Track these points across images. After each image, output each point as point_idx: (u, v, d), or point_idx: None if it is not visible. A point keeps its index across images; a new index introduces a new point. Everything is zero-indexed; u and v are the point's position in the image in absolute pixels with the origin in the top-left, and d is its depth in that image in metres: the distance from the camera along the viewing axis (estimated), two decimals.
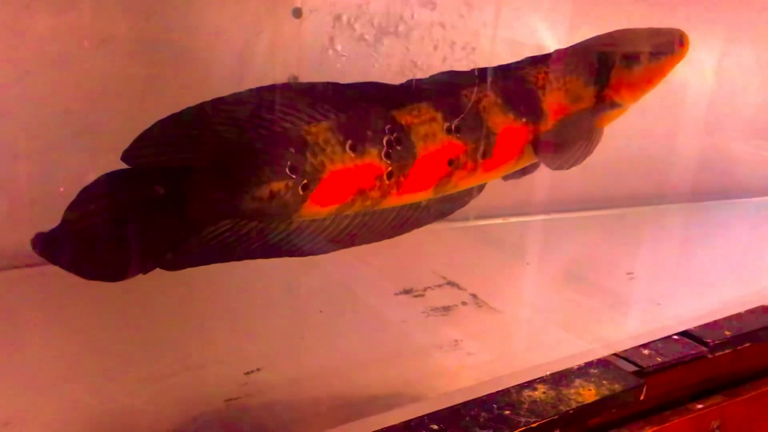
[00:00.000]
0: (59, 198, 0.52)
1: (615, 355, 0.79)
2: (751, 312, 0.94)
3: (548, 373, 0.73)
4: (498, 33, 1.03)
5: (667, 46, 0.78)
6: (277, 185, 0.56)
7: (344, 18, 0.93)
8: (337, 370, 0.69)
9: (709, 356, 0.84)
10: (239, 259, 0.59)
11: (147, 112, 0.84)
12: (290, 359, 0.71)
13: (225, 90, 0.89)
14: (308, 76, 0.92)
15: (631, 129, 1.13)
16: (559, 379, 0.72)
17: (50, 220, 0.51)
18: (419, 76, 0.70)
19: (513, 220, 1.20)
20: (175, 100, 0.85)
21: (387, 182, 0.61)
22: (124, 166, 0.52)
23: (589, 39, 0.77)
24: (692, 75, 1.16)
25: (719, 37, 1.02)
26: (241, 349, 0.71)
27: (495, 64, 0.70)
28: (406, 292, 0.87)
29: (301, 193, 0.58)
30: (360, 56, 0.95)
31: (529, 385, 0.70)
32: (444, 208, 0.70)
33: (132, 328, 0.72)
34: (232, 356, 0.70)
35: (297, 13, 0.90)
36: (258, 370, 0.68)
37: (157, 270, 0.55)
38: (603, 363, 0.77)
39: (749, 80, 1.31)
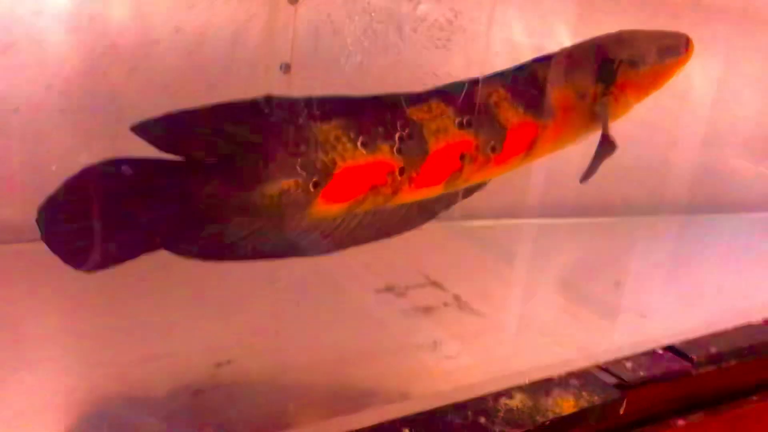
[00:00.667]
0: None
1: (597, 366, 0.77)
2: (739, 329, 0.93)
3: (527, 381, 0.71)
4: (502, 33, 1.01)
5: (673, 49, 0.79)
6: (288, 183, 0.56)
7: (342, 6, 0.91)
8: (310, 367, 0.68)
9: (693, 372, 0.82)
10: (247, 258, 0.59)
11: (131, 96, 0.84)
12: (263, 353, 0.69)
13: (214, 74, 0.88)
14: (301, 64, 0.90)
15: (628, 137, 1.12)
16: (538, 388, 0.70)
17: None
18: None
19: (504, 222, 1.18)
20: (163, 83, 0.85)
21: (399, 178, 0.61)
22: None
23: (597, 37, 0.77)
24: (692, 86, 1.14)
25: (720, 49, 1.01)
26: (214, 340, 0.70)
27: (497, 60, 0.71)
28: (389, 289, 0.85)
29: (312, 190, 0.57)
30: (356, 47, 0.93)
31: (507, 392, 0.69)
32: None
33: (103, 314, 0.70)
34: (203, 347, 0.68)
35: None
36: (229, 362, 0.66)
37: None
38: (584, 374, 0.75)
39: (749, 94, 1.30)
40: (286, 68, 0.89)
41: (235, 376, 0.64)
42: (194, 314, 0.73)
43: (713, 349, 0.85)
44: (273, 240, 0.60)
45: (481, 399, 0.67)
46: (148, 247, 0.56)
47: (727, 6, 1.04)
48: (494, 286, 0.94)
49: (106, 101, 0.82)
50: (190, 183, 0.55)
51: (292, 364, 0.68)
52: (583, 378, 0.74)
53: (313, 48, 0.91)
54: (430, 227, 0.95)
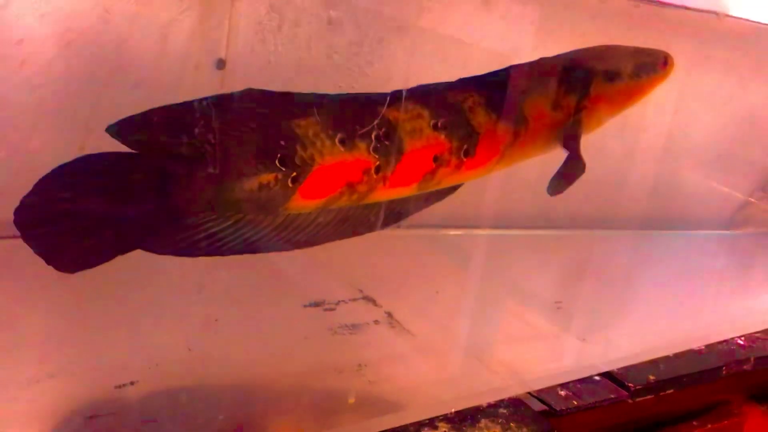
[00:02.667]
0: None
1: (529, 393, 0.74)
2: (679, 356, 0.90)
3: (453, 410, 0.67)
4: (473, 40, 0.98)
5: (650, 66, 0.81)
6: (267, 177, 0.57)
7: (281, 2, 0.86)
8: (219, 390, 0.63)
9: (630, 401, 0.80)
10: (225, 253, 0.59)
11: (51, 87, 0.78)
12: (170, 373, 0.64)
13: (141, 69, 0.83)
14: (237, 61, 0.85)
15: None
16: (465, 417, 0.67)
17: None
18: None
19: (453, 232, 1.14)
20: (88, 77, 0.79)
21: (374, 176, 0.62)
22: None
23: (575, 50, 0.79)
24: (647, 100, 1.12)
25: (677, 65, 0.99)
26: (119, 358, 0.65)
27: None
28: (317, 304, 0.81)
29: (290, 185, 0.58)
30: (295, 45, 0.89)
31: (431, 422, 0.65)
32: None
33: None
34: (106, 365, 0.63)
35: None
36: (132, 383, 0.61)
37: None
38: (515, 402, 0.71)
39: (704, 110, 1.28)
40: (221, 64, 0.84)
41: (137, 399, 0.60)
42: (101, 327, 0.68)
43: (651, 378, 0.83)
44: (250, 234, 0.60)
45: (402, 429, 0.63)
46: (126, 245, 0.56)
47: (682, 20, 1.02)
48: (430, 303, 0.90)
49: (23, 93, 0.77)
50: (168, 178, 0.54)
51: (199, 386, 0.63)
52: (513, 407, 0.71)
53: (250, 45, 0.86)
54: (376, 235, 0.92)
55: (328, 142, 0.59)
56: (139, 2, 0.80)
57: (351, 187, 0.61)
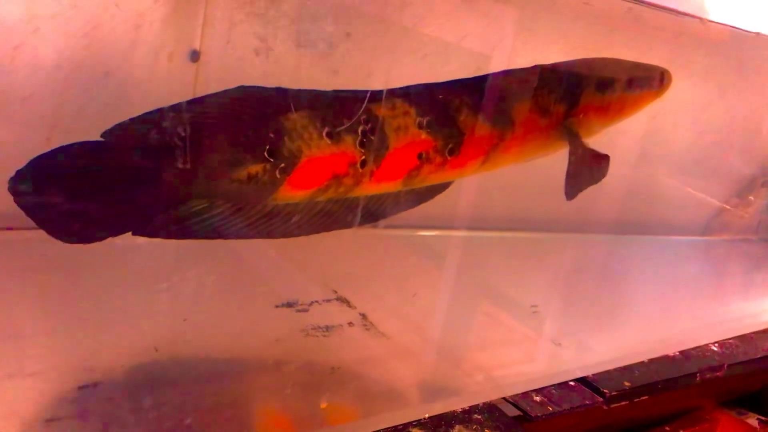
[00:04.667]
0: None
1: (504, 399, 0.72)
2: (655, 361, 0.90)
3: (427, 415, 0.66)
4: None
5: (644, 81, 0.82)
6: (255, 168, 0.58)
7: None
8: (182, 392, 0.61)
9: (604, 407, 0.79)
10: (214, 237, 0.61)
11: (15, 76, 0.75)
12: (136, 375, 0.62)
13: (112, 58, 0.80)
14: (211, 52, 0.83)
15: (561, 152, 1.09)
16: (438, 423, 0.65)
17: None
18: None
19: (428, 233, 1.12)
20: (55, 64, 0.76)
21: (360, 170, 0.64)
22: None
23: (569, 61, 0.80)
24: None
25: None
26: (83, 358, 0.62)
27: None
28: (290, 305, 0.79)
29: (278, 176, 0.60)
30: (271, 38, 0.87)
31: (404, 428, 0.63)
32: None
33: None
34: (69, 365, 0.61)
35: None
36: (95, 385, 0.59)
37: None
38: (489, 408, 0.70)
39: (682, 116, 1.28)
40: (195, 56, 0.82)
41: (99, 401, 0.57)
42: (64, 325, 0.66)
43: (627, 384, 0.82)
44: (238, 221, 0.61)
45: None
46: (119, 227, 0.57)
47: (663, 25, 1.02)
48: (405, 305, 0.88)
49: None
50: (161, 165, 0.56)
51: (164, 386, 0.61)
52: (487, 412, 0.69)
53: (225, 37, 0.84)
54: (353, 233, 0.90)
55: (315, 135, 0.60)
56: None
57: (337, 179, 0.63)
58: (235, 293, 0.79)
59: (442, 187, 0.76)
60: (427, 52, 0.97)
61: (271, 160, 0.59)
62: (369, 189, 0.67)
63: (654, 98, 0.84)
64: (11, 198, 0.53)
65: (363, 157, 0.63)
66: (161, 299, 0.73)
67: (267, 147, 0.59)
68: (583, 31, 1.03)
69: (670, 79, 0.85)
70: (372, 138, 0.63)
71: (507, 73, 0.77)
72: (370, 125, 0.63)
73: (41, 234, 0.54)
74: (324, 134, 0.61)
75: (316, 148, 0.61)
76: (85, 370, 0.60)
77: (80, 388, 0.58)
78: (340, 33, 0.87)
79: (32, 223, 0.54)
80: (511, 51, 0.98)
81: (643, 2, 0.95)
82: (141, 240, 0.79)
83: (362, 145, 0.63)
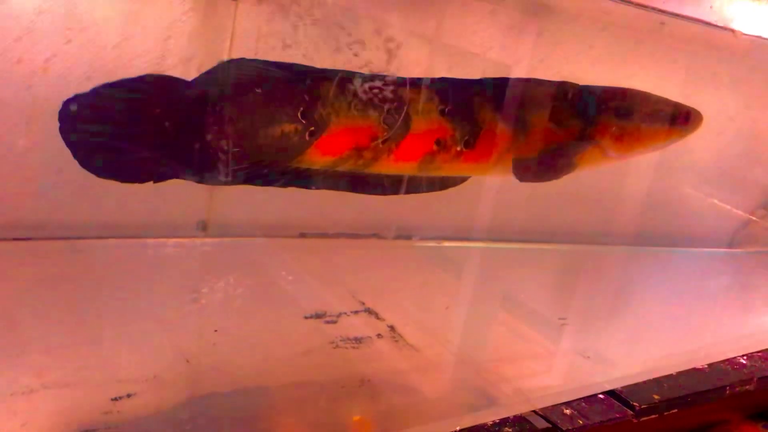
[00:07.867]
0: None
1: (534, 411, 0.72)
2: (683, 374, 0.89)
3: (459, 428, 0.65)
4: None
5: (666, 116, 0.84)
6: (288, 127, 0.64)
7: (286, 5, 0.84)
8: (218, 403, 0.61)
9: (634, 420, 0.78)
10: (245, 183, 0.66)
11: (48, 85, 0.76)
12: (168, 386, 0.62)
13: (142, 70, 0.81)
14: None
15: None
16: None
17: None
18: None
19: (454, 245, 1.12)
20: (85, 75, 0.77)
21: (381, 146, 0.68)
22: None
23: (595, 86, 0.82)
24: None
25: (679, 80, 0.99)
26: (116, 369, 0.62)
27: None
28: (318, 316, 0.79)
29: (307, 138, 0.65)
30: (301, 47, 0.87)
31: None
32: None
33: None
34: (103, 376, 0.61)
35: None
36: (129, 396, 0.59)
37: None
38: (519, 420, 0.69)
39: (708, 126, 1.27)
40: None
41: (133, 412, 0.57)
42: (98, 337, 0.66)
43: (656, 397, 0.81)
44: (269, 172, 0.66)
45: None
46: (163, 173, 0.63)
47: (689, 36, 1.01)
48: (434, 317, 0.88)
49: (20, 90, 0.75)
50: (206, 116, 0.62)
51: (196, 399, 0.61)
52: (517, 425, 0.69)
53: (253, 49, 0.84)
54: (379, 246, 0.91)
55: (345, 106, 0.66)
56: (141, 1, 0.78)
57: (358, 151, 0.68)
58: (264, 303, 0.79)
59: (459, 180, 0.79)
60: (452, 64, 0.97)
61: (303, 121, 0.64)
62: (386, 166, 0.70)
63: (678, 136, 0.86)
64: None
65: (385, 134, 0.68)
66: (191, 310, 0.73)
67: (301, 109, 0.64)
68: (608, 43, 1.02)
69: (698, 120, 0.86)
70: (396, 117, 0.68)
71: (531, 81, 0.81)
72: (396, 104, 0.68)
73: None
74: (353, 106, 0.66)
75: (345, 118, 0.66)
76: (118, 381, 0.60)
77: (113, 399, 0.58)
78: (371, 47, 0.88)
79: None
80: (536, 62, 0.98)
81: (667, 12, 0.95)
82: (171, 250, 0.79)
83: (386, 122, 0.68)
